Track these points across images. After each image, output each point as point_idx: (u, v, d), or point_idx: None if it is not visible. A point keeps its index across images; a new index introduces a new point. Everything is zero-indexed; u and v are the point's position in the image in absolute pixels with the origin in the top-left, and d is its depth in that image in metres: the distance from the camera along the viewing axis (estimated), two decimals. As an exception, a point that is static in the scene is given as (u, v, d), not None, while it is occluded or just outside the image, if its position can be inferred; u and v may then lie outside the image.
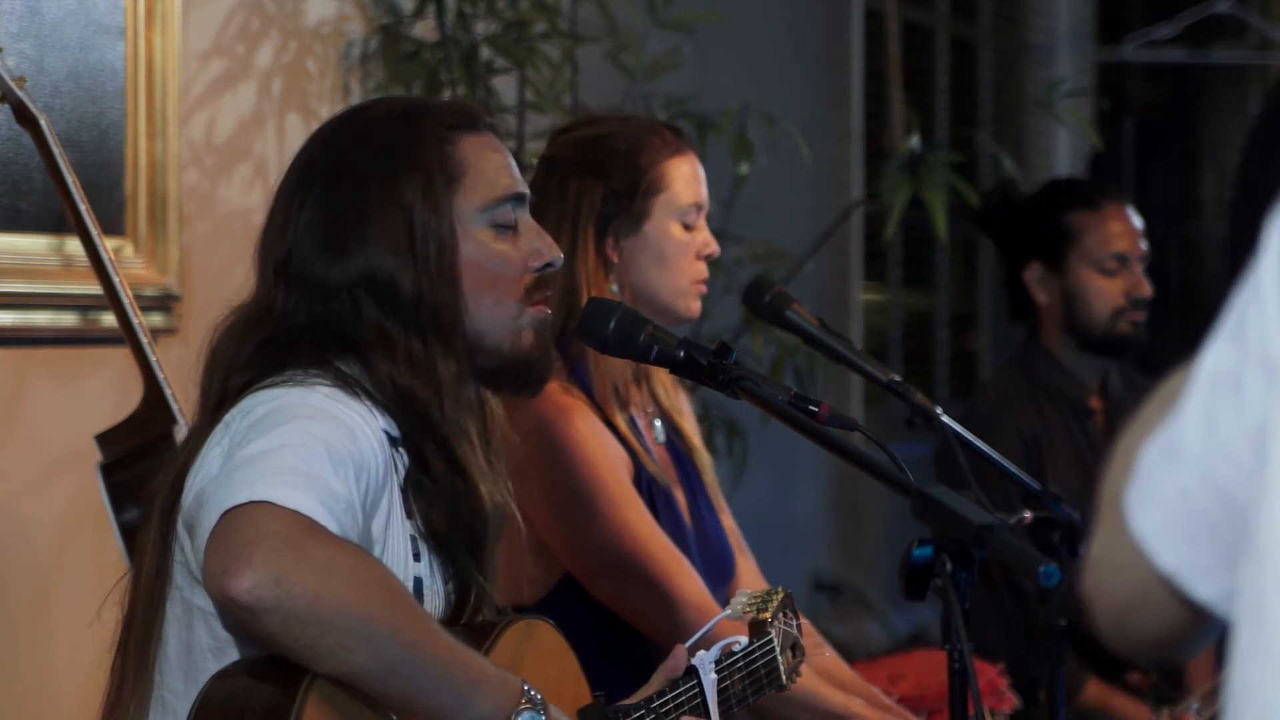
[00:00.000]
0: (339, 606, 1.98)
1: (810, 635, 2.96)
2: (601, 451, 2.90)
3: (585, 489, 2.88)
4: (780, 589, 2.67)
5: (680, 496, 3.05)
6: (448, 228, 2.31)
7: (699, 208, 3.02)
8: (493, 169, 2.36)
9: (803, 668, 2.72)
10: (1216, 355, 1.33)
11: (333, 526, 2.02)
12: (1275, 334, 1.28)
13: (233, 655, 2.15)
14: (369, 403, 2.22)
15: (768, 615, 2.60)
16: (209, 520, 2.02)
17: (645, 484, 2.96)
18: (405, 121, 2.36)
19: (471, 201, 2.33)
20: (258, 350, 2.26)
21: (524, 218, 2.39)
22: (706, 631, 2.56)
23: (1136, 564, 1.36)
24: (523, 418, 2.86)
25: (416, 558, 2.24)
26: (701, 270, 3.02)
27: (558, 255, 2.40)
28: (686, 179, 3.00)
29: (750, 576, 3.17)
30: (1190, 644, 1.39)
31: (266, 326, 2.28)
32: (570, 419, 2.90)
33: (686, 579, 2.88)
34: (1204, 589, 1.33)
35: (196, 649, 2.18)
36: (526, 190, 2.40)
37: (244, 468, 2.04)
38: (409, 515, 2.24)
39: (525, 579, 2.84)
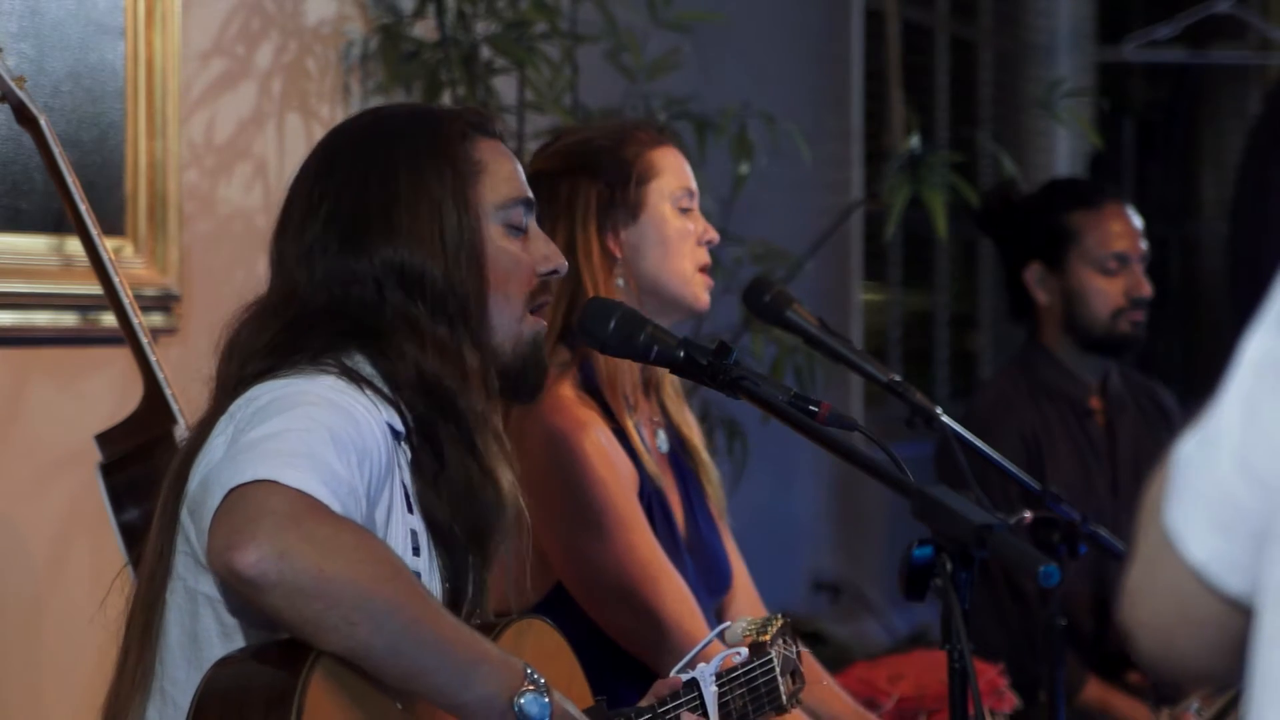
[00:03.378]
0: (343, 582, 1.99)
1: (809, 666, 2.95)
2: (613, 470, 2.90)
3: (594, 508, 2.88)
4: (780, 616, 2.67)
5: (676, 507, 3.05)
6: (474, 221, 2.34)
7: (691, 193, 3.04)
8: (506, 171, 2.41)
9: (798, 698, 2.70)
10: (1260, 344, 1.32)
11: (335, 506, 2.04)
12: None
13: (240, 641, 2.16)
14: (373, 395, 2.23)
15: (767, 638, 2.60)
16: (214, 500, 2.04)
17: (647, 497, 2.96)
18: (427, 120, 2.41)
19: (490, 199, 2.37)
20: (275, 337, 2.28)
21: (532, 224, 2.43)
22: (699, 651, 2.53)
23: (1173, 572, 1.34)
24: (536, 427, 2.86)
25: (416, 552, 2.25)
26: (704, 256, 3.03)
27: (563, 263, 2.44)
28: (673, 166, 3.03)
29: (744, 590, 3.17)
30: (1234, 659, 1.34)
31: (286, 314, 2.30)
32: (586, 433, 2.89)
33: (682, 605, 2.88)
34: (1235, 582, 1.31)
35: (203, 636, 2.18)
36: (533, 198, 2.44)
37: (248, 450, 2.06)
38: (410, 510, 2.25)
39: (523, 589, 2.83)
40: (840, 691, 3.14)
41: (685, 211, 3.02)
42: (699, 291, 3.01)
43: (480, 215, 2.35)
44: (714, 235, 3.05)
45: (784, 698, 2.61)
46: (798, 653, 2.68)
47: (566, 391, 2.92)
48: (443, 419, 2.27)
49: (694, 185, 3.06)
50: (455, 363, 2.29)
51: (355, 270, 2.29)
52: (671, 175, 3.02)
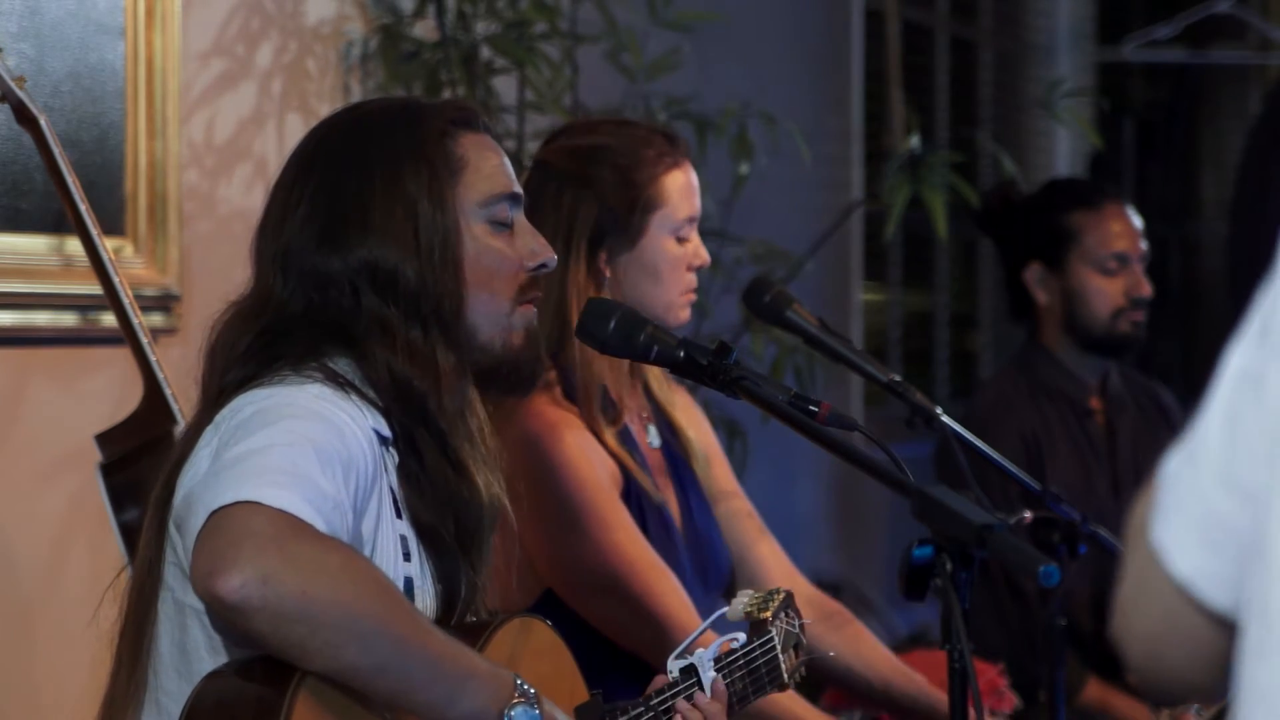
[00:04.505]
0: (327, 604, 1.98)
1: (840, 614, 2.96)
2: (590, 469, 2.89)
3: (574, 508, 2.87)
4: (781, 590, 2.67)
5: (673, 505, 3.04)
6: (451, 220, 2.31)
7: (693, 220, 3.01)
8: (490, 167, 2.37)
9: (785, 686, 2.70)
10: (1241, 356, 1.32)
11: (320, 525, 2.02)
12: None
13: (227, 655, 2.15)
14: (359, 401, 2.22)
15: (768, 615, 2.59)
16: (196, 521, 2.02)
17: (635, 497, 2.95)
18: (406, 116, 2.37)
19: (471, 196, 2.34)
20: (254, 341, 2.26)
21: (519, 218, 2.40)
22: (695, 638, 2.53)
23: (1161, 587, 1.34)
24: (511, 432, 2.85)
25: (407, 557, 2.23)
26: (692, 281, 3.01)
27: (552, 256, 2.41)
28: (682, 192, 2.99)
29: (775, 557, 3.18)
30: (1224, 672, 1.35)
31: (264, 317, 2.28)
32: (560, 434, 2.89)
33: (673, 598, 2.87)
34: (1220, 596, 1.31)
35: (191, 649, 2.17)
36: (521, 192, 2.41)
37: (230, 468, 2.04)
38: (399, 515, 2.24)
39: (508, 590, 2.83)
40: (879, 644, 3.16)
41: (683, 240, 2.99)
42: (680, 313, 2.99)
43: (460, 214, 2.32)
44: (705, 259, 3.02)
45: (785, 675, 2.60)
46: (800, 625, 2.67)
47: (540, 397, 2.90)
48: (415, 421, 2.25)
49: (699, 210, 3.02)
50: (426, 365, 2.27)
51: (331, 272, 2.27)
52: (678, 203, 2.97)
